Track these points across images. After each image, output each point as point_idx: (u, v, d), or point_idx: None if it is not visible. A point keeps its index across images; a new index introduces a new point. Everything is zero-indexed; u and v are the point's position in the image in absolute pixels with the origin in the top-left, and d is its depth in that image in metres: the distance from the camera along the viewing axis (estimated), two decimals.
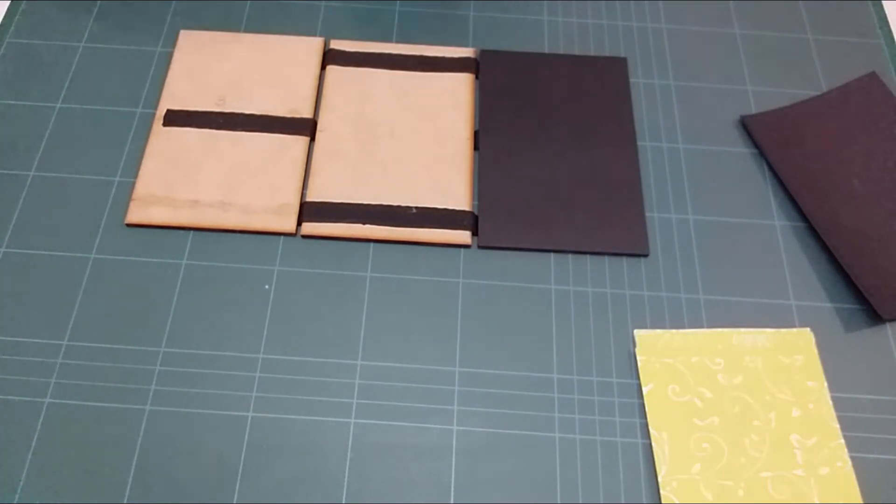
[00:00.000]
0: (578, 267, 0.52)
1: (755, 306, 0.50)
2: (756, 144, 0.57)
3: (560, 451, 0.46)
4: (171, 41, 0.60)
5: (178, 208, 0.52)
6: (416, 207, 0.53)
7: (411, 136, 0.56)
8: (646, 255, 0.52)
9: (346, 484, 0.44)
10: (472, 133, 0.56)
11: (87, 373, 0.47)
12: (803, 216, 0.53)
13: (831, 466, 0.45)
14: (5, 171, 0.54)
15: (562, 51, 0.61)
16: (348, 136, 0.55)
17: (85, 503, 0.44)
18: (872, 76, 0.59)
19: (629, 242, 0.52)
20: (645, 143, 0.57)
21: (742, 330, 0.49)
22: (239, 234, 0.52)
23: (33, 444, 0.45)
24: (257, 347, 0.48)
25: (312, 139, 0.56)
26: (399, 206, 0.53)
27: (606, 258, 0.52)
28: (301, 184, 0.54)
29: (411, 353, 0.48)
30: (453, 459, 0.45)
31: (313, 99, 0.57)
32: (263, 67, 0.58)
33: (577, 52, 0.61)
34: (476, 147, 0.56)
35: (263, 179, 0.53)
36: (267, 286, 0.50)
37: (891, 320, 0.50)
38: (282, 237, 0.52)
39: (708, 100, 0.59)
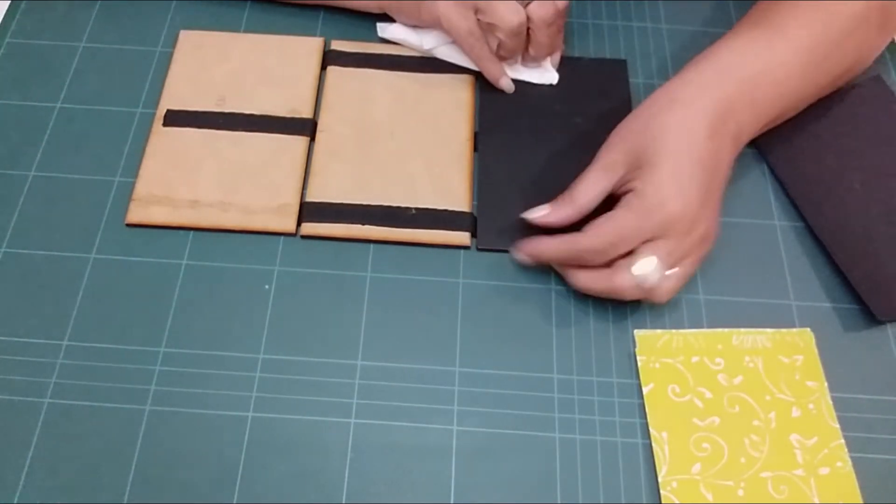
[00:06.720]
0: None
1: (755, 306, 0.50)
2: (756, 144, 0.56)
3: (560, 451, 0.46)
4: (171, 41, 0.60)
5: (178, 208, 0.52)
6: (416, 208, 0.53)
7: (411, 137, 0.56)
8: None
9: (346, 484, 0.44)
10: (472, 134, 0.56)
11: (87, 373, 0.47)
12: (803, 216, 0.53)
13: (831, 466, 0.45)
14: (5, 171, 0.54)
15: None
16: (348, 136, 0.55)
17: (85, 503, 0.44)
18: (876, 79, 0.58)
19: None
20: None
21: (742, 330, 0.49)
22: (239, 234, 0.52)
23: (33, 444, 0.45)
24: (257, 347, 0.48)
25: (312, 139, 0.56)
26: (399, 207, 0.53)
27: None
28: (301, 184, 0.54)
29: (411, 353, 0.48)
30: (453, 459, 0.45)
31: (313, 99, 0.57)
32: (263, 67, 0.58)
33: (576, 52, 0.61)
34: (476, 148, 0.56)
35: (263, 179, 0.53)
36: (267, 286, 0.50)
37: (887, 321, 0.50)
38: (282, 237, 0.52)
39: None
